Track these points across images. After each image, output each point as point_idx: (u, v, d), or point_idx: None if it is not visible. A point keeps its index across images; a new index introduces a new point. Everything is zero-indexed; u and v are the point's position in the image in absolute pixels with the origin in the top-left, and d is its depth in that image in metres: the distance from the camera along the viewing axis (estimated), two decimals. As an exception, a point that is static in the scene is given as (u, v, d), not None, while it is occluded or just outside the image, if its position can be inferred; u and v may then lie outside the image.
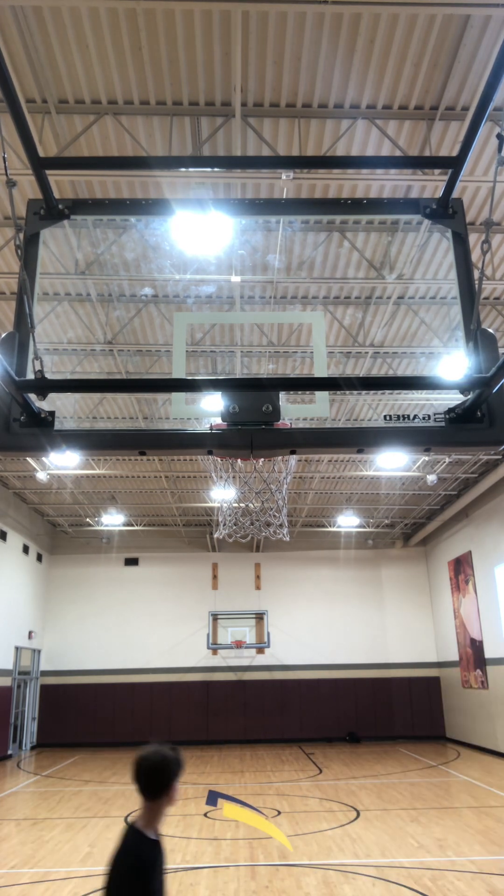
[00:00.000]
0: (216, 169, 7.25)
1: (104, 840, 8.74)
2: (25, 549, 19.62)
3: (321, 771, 14.75)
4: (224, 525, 13.82)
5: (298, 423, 3.00)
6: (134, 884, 2.35)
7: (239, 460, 9.04)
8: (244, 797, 11.55)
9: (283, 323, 10.40)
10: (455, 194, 3.35)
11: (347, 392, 11.80)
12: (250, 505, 13.37)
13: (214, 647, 20.92)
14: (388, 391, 12.03)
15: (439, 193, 3.44)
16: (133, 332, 10.40)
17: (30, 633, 19.64)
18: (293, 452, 3.04)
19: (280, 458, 9.36)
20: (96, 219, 7.94)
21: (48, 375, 2.87)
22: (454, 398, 2.93)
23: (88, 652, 21.12)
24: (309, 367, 11.52)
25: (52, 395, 2.93)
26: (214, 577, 22.18)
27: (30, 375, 2.96)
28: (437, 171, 7.31)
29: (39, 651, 20.79)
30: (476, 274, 3.31)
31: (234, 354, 11.07)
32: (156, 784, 2.47)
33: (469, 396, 2.87)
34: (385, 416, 3.00)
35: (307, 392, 3.68)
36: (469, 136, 3.03)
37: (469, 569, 18.56)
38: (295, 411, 2.98)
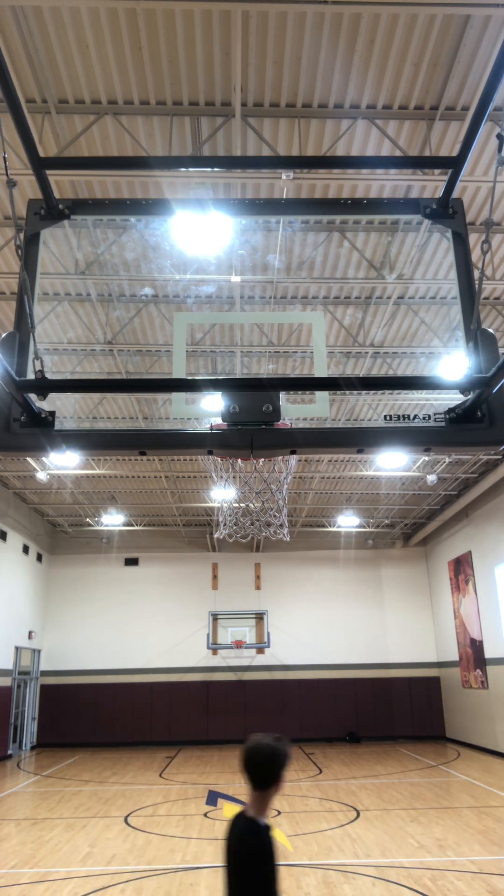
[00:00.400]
0: (216, 169, 7.25)
1: (104, 840, 8.74)
2: (25, 549, 19.62)
3: (321, 771, 14.74)
4: (224, 525, 13.81)
5: (298, 423, 3.00)
6: (263, 868, 2.46)
7: (239, 460, 9.04)
8: (244, 797, 11.55)
9: (283, 323, 10.40)
10: (455, 194, 3.35)
11: (347, 392, 11.80)
12: (250, 505, 13.36)
13: (214, 647, 20.92)
14: (388, 391, 12.03)
15: (439, 193, 3.44)
16: (133, 332, 10.40)
17: (30, 633, 19.64)
18: (293, 452, 3.04)
19: (280, 458, 9.36)
20: (96, 219, 7.94)
21: (48, 375, 2.87)
22: (454, 398, 2.93)
23: (88, 652, 21.13)
24: (309, 367, 11.52)
25: (52, 395, 2.93)
26: (214, 577, 22.18)
27: (30, 375, 2.96)
28: (437, 171, 7.32)
29: (39, 651, 20.79)
30: (476, 274, 3.31)
31: (234, 354, 11.07)
32: (268, 775, 2.59)
33: (469, 396, 2.87)
34: (385, 416, 3.00)
35: (307, 392, 3.68)
36: (469, 136, 3.03)
37: (469, 569, 18.56)
38: (295, 411, 2.98)
